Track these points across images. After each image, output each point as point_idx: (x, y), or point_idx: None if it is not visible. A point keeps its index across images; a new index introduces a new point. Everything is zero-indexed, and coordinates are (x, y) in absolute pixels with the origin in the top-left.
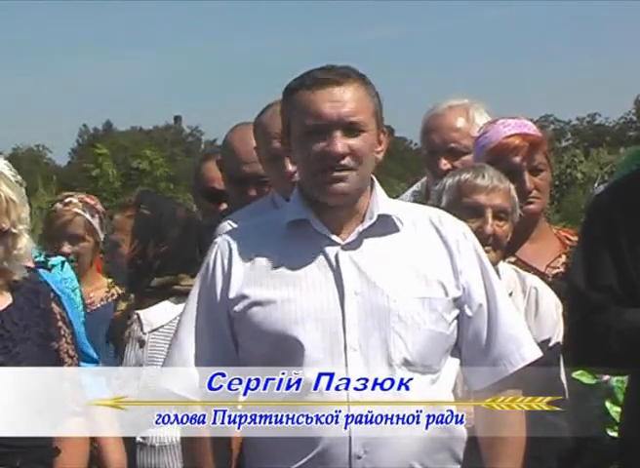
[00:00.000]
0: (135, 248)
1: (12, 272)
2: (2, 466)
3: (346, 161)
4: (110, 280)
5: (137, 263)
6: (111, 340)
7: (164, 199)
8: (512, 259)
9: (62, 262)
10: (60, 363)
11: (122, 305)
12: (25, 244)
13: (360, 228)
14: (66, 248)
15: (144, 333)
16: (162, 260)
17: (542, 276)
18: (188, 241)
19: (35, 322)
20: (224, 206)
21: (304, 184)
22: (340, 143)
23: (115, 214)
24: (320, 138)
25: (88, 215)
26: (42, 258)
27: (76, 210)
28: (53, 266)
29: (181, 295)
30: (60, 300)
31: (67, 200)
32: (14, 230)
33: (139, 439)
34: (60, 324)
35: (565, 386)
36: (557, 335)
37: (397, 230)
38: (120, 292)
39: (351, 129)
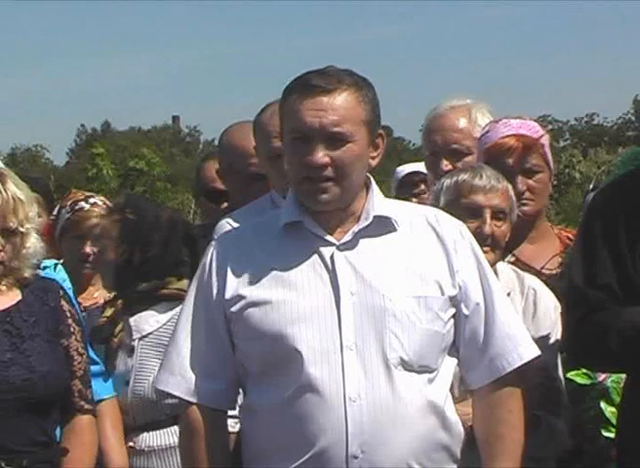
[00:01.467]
0: (121, 253)
1: (21, 270)
2: (9, 466)
3: (327, 172)
4: None
5: (124, 269)
6: (95, 345)
7: (148, 202)
8: (512, 259)
9: (55, 264)
10: (69, 360)
11: (108, 311)
12: (34, 243)
13: (355, 228)
14: (88, 248)
15: (133, 340)
16: (149, 265)
17: (541, 276)
18: (174, 243)
19: (44, 319)
20: (226, 205)
21: (292, 187)
22: (320, 154)
23: (101, 218)
24: (303, 147)
25: None
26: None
27: (103, 212)
28: (45, 268)
29: (170, 300)
30: (70, 298)
31: (92, 200)
32: (22, 229)
33: (129, 443)
34: (70, 321)
35: (563, 387)
36: (555, 336)
37: (393, 230)
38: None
39: (335, 139)
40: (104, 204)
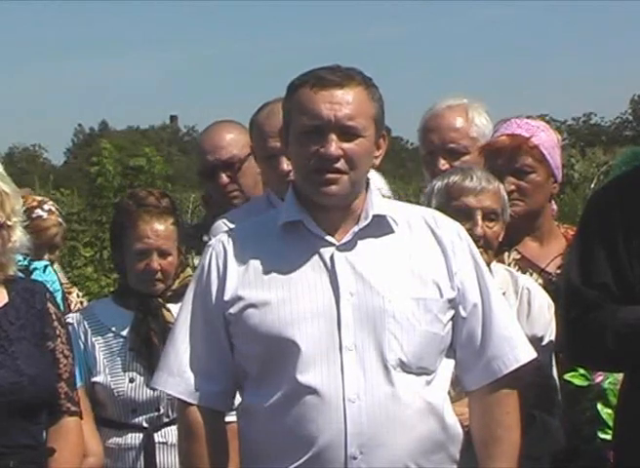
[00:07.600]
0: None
1: (7, 266)
2: None
3: (340, 164)
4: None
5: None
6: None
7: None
8: (517, 257)
9: (45, 266)
10: (55, 362)
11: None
12: (20, 236)
13: (355, 229)
14: (47, 256)
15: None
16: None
17: (546, 275)
18: None
19: (31, 322)
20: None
21: (298, 182)
22: (335, 146)
23: (153, 219)
24: (316, 139)
25: (64, 223)
26: (25, 262)
27: (59, 219)
28: (35, 269)
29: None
30: (56, 300)
31: (47, 207)
32: (9, 223)
33: (159, 439)
34: (56, 324)
35: (558, 386)
36: (549, 336)
37: (392, 231)
38: (69, 290)
39: (348, 133)
40: (56, 208)
